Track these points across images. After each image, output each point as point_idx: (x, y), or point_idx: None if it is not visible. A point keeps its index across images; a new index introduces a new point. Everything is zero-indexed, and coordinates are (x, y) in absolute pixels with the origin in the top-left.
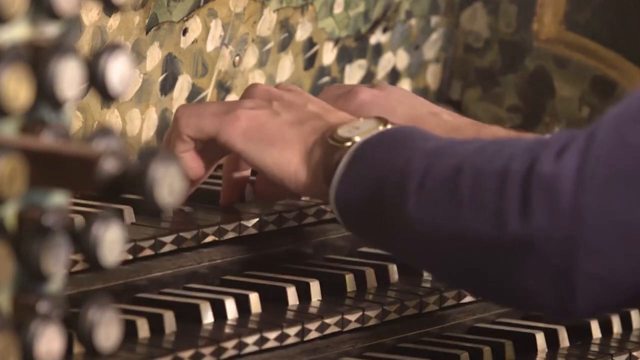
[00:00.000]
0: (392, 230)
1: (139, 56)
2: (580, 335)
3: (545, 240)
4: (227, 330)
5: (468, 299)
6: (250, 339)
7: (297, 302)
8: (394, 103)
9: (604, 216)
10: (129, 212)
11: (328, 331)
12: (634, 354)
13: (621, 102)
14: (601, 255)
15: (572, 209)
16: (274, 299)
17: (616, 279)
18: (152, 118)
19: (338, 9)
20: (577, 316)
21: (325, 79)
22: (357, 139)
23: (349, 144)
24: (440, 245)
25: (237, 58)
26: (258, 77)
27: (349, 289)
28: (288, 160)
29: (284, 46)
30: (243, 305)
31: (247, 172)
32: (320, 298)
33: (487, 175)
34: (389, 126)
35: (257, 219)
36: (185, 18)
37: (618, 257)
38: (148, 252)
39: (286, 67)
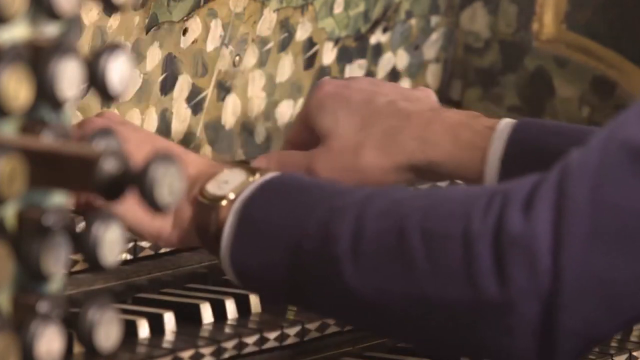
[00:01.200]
0: (321, 297)
1: (139, 56)
2: None
3: (526, 301)
4: (227, 330)
5: None
6: (250, 339)
7: None
8: (353, 92)
9: (585, 275)
10: None
11: (328, 331)
12: (634, 354)
13: (588, 151)
14: (583, 313)
15: (552, 268)
16: None
17: (597, 335)
18: (152, 118)
19: (338, 9)
20: None
21: (325, 79)
22: (232, 195)
23: (224, 202)
24: (390, 309)
25: (237, 58)
26: (258, 77)
27: None
28: (150, 217)
29: (284, 46)
30: (243, 305)
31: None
32: None
33: (443, 238)
34: (258, 176)
35: None
36: (185, 18)
37: (600, 315)
38: (148, 252)
39: (286, 67)
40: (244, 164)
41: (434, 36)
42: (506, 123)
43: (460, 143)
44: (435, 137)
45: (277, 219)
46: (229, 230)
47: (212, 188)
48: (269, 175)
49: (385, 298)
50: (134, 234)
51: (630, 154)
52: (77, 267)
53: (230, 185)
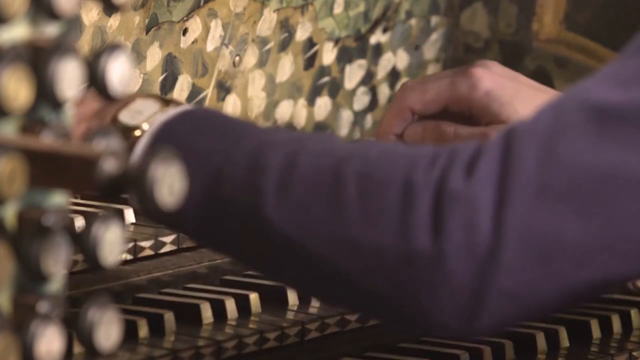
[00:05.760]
0: (233, 230)
1: (139, 56)
2: (580, 335)
3: (459, 258)
4: (227, 330)
5: None
6: (250, 339)
7: (297, 302)
8: (521, 84)
9: (528, 232)
10: (129, 212)
11: (328, 331)
12: (634, 354)
13: (539, 114)
14: (520, 272)
15: (493, 225)
16: (274, 299)
17: (530, 301)
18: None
19: (338, 9)
20: (476, 335)
21: (325, 79)
22: (145, 126)
23: (137, 133)
24: (311, 251)
25: (237, 58)
26: (258, 77)
27: None
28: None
29: (284, 46)
30: (243, 305)
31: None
32: None
33: (382, 183)
34: (172, 107)
35: None
36: (185, 18)
37: (538, 277)
38: (148, 252)
39: (286, 67)
40: (158, 96)
41: (434, 36)
42: None
43: None
44: None
45: (198, 142)
46: (139, 150)
47: (125, 117)
48: (190, 106)
49: (307, 238)
50: None
51: (591, 113)
52: (77, 267)
53: (144, 116)
